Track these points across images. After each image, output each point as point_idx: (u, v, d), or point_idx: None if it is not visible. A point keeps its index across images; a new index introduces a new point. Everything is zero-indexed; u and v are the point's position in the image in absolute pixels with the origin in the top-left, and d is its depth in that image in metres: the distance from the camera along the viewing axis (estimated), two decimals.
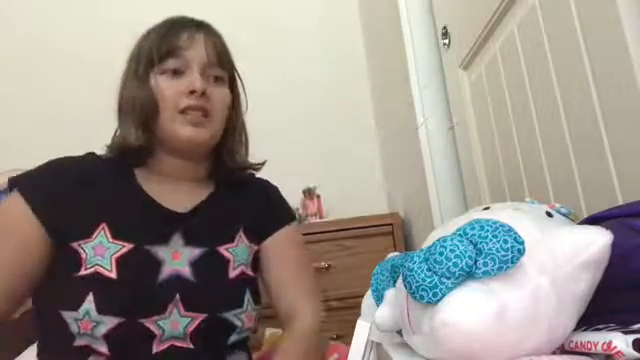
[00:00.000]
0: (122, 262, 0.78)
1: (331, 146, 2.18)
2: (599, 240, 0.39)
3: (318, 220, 1.93)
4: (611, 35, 0.66)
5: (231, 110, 0.92)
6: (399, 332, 0.51)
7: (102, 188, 0.84)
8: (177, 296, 0.79)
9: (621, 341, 0.35)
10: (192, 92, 0.83)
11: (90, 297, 0.74)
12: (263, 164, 0.99)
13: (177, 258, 0.83)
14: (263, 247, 0.95)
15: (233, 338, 0.84)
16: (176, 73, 0.84)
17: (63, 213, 0.80)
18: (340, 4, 2.30)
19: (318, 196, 2.00)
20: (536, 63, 0.89)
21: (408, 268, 0.40)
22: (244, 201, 0.96)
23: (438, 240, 0.40)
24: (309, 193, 2.00)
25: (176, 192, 0.89)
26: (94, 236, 0.80)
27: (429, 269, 0.39)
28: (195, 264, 0.84)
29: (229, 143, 0.93)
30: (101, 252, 0.78)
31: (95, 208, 0.82)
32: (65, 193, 0.81)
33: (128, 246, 0.80)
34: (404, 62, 1.48)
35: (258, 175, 1.02)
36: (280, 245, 0.96)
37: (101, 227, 0.80)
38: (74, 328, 0.74)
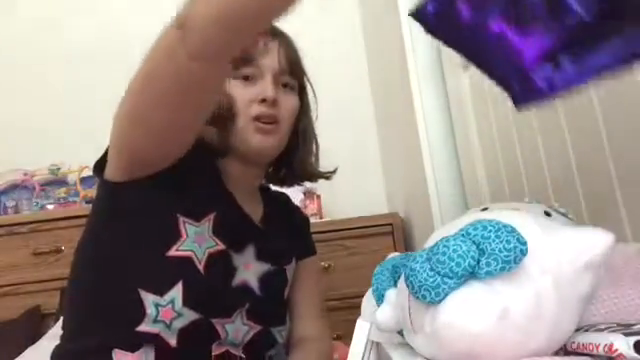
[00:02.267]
0: (211, 259, 0.77)
1: (331, 146, 2.18)
2: (602, 241, 0.39)
3: (318, 220, 1.93)
4: None
5: (299, 118, 0.91)
6: (399, 332, 0.51)
7: (215, 180, 0.84)
8: (247, 305, 0.80)
9: (622, 343, 0.35)
10: (263, 100, 0.82)
11: (179, 286, 0.72)
12: (334, 172, 1.00)
13: (248, 269, 0.83)
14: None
15: (270, 352, 0.86)
16: (247, 79, 0.83)
17: (190, 184, 0.78)
18: (340, 4, 2.30)
19: (318, 196, 2.00)
20: None
21: (411, 268, 0.40)
22: (291, 220, 0.99)
23: (441, 240, 0.40)
24: (309, 193, 2.00)
25: (247, 200, 0.88)
26: (202, 222, 0.78)
27: (432, 269, 0.39)
28: (263, 279, 0.85)
29: (300, 152, 0.93)
30: (199, 241, 0.76)
31: (210, 195, 0.81)
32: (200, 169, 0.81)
33: (220, 246, 0.79)
34: (404, 62, 1.47)
35: None
36: (308, 272, 0.99)
37: (210, 217, 0.79)
38: (152, 311, 0.70)
